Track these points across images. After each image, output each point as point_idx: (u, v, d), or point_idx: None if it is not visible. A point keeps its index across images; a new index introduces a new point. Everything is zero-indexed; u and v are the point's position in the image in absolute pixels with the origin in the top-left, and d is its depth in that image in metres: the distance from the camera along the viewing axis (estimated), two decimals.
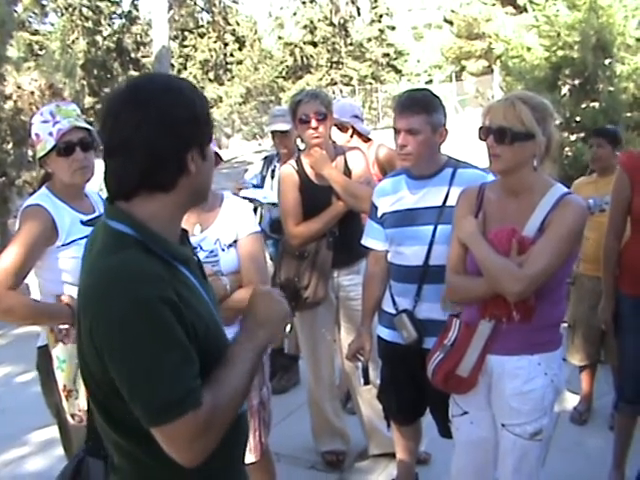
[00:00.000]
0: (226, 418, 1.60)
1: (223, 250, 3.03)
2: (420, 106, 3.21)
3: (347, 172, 4.06)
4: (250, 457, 3.15)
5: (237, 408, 1.65)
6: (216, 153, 2.95)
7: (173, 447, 1.54)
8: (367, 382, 3.69)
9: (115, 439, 1.66)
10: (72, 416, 2.98)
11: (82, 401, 2.86)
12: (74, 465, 1.86)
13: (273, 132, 5.43)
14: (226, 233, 3.05)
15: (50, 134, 2.97)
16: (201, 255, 2.94)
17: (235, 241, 3.06)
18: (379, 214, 3.47)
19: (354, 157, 4.11)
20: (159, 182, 1.62)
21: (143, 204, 1.63)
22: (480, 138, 2.73)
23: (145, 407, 1.51)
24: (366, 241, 3.60)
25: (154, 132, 1.57)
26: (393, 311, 3.41)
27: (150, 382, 1.49)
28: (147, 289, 1.49)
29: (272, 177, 5.57)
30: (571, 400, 5.10)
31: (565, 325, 4.87)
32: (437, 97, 3.33)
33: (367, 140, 5.05)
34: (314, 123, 3.93)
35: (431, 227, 3.27)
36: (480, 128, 2.74)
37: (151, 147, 1.58)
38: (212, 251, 3.01)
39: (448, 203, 3.23)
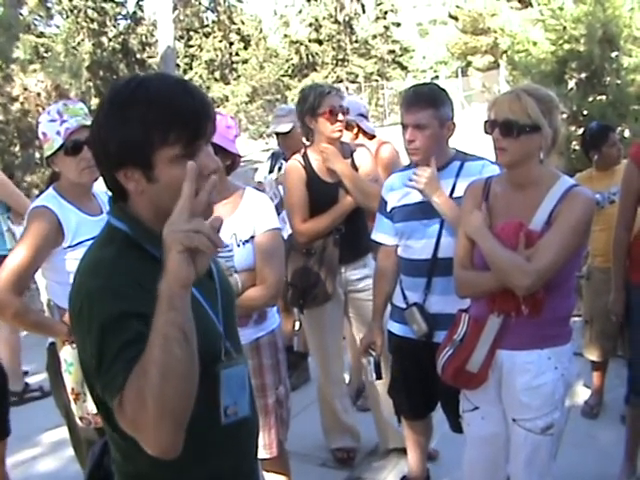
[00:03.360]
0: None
1: (239, 246, 2.96)
2: (427, 101, 3.20)
3: (354, 170, 4.05)
4: (266, 453, 3.16)
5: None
6: (228, 151, 2.94)
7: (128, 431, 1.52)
8: (379, 377, 3.68)
9: (107, 429, 1.69)
10: (81, 419, 2.99)
11: (90, 404, 2.85)
12: (102, 443, 1.88)
13: (276, 133, 5.45)
14: (243, 228, 2.98)
15: (58, 133, 2.96)
16: None
17: (252, 237, 2.99)
18: (388, 209, 3.47)
19: (361, 155, 4.10)
20: (113, 191, 1.67)
21: (131, 203, 1.65)
22: (486, 132, 2.72)
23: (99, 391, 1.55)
24: (376, 236, 3.60)
25: (95, 148, 1.64)
26: (403, 305, 3.40)
27: (96, 370, 1.51)
28: (102, 283, 1.52)
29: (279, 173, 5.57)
30: (582, 394, 5.09)
31: (579, 319, 4.87)
32: (444, 91, 3.32)
33: (372, 138, 5.04)
34: (341, 116, 3.94)
35: (438, 220, 3.26)
36: (485, 122, 2.72)
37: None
38: (227, 246, 2.93)
39: (455, 195, 3.23)
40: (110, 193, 1.69)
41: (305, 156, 4.11)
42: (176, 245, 1.37)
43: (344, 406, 4.41)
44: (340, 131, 3.98)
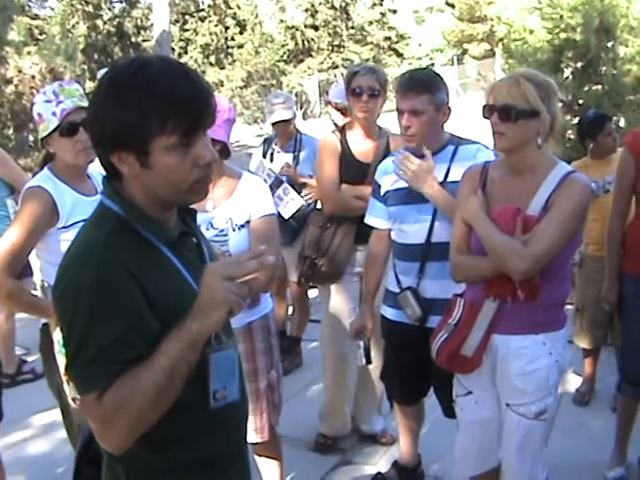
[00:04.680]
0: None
1: (234, 230, 2.96)
2: (423, 86, 3.19)
3: (387, 153, 4.04)
4: (257, 438, 3.18)
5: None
6: (219, 142, 2.91)
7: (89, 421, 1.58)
8: (369, 361, 3.67)
9: None
10: (73, 400, 2.98)
11: None
12: None
13: (275, 123, 5.43)
14: (239, 212, 2.98)
15: (53, 114, 2.94)
16: (211, 233, 2.89)
17: (248, 222, 2.99)
18: (382, 192, 3.47)
19: (398, 141, 4.10)
20: (108, 171, 1.65)
21: (125, 184, 1.64)
22: (484, 116, 2.72)
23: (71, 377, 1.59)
24: (369, 220, 3.59)
25: (91, 127, 1.62)
26: (397, 290, 3.40)
27: (73, 353, 1.53)
28: (93, 271, 1.52)
29: (271, 160, 5.53)
30: (573, 381, 5.11)
31: (572, 307, 4.88)
32: (439, 76, 3.31)
33: None
34: (365, 97, 3.93)
35: (432, 204, 3.25)
36: (484, 106, 2.72)
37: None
38: (222, 230, 2.94)
39: (449, 179, 3.23)
40: (105, 173, 1.67)
41: (343, 132, 4.15)
42: (227, 305, 1.48)
43: (350, 391, 4.36)
44: (364, 111, 3.98)
